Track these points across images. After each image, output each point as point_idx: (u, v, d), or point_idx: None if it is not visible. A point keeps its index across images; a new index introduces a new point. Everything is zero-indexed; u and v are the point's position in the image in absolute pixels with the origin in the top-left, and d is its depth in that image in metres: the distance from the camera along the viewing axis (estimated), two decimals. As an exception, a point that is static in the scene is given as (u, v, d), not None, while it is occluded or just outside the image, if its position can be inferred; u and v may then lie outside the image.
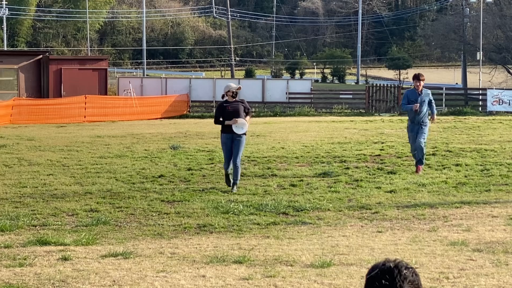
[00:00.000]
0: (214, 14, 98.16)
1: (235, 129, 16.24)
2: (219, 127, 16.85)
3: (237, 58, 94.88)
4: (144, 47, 75.75)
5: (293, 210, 13.86)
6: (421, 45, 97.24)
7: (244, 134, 16.53)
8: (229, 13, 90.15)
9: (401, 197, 15.23)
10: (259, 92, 48.93)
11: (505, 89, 50.20)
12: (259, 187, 16.64)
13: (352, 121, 38.87)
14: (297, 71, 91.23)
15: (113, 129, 34.97)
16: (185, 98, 47.64)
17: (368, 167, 19.72)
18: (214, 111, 17.27)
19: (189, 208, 14.22)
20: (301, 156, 22.25)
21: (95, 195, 15.84)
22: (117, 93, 49.44)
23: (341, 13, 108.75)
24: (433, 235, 11.64)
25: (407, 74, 73.32)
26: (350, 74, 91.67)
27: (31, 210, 14.05)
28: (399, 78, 78.39)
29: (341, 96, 51.12)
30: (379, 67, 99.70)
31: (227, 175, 16.42)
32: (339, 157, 21.99)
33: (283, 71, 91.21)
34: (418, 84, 18.64)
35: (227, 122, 16.28)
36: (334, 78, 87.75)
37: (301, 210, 13.84)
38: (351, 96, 51.18)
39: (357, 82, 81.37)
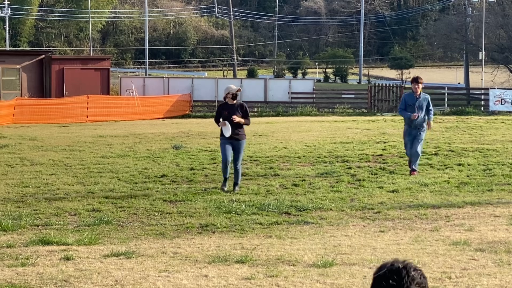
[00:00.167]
0: (217, 14, 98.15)
1: (224, 131, 16.19)
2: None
3: (239, 58, 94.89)
4: (147, 47, 75.77)
5: (295, 210, 13.86)
6: (423, 45, 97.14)
7: (244, 137, 16.45)
8: (232, 13, 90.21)
9: (403, 196, 15.22)
10: (262, 92, 48.95)
11: (508, 89, 50.17)
12: (261, 187, 16.64)
13: (355, 121, 38.86)
14: (299, 71, 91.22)
15: (115, 129, 34.98)
16: (187, 98, 47.66)
17: (371, 167, 19.72)
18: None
19: (191, 207, 14.23)
20: (304, 156, 22.24)
21: (98, 194, 15.85)
22: (119, 93, 49.47)
23: (344, 12, 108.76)
24: (436, 234, 11.64)
25: (410, 74, 73.29)
26: (353, 74, 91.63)
27: (34, 210, 14.06)
28: (401, 78, 78.38)
29: (343, 96, 51.14)
30: (381, 67, 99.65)
31: (225, 179, 16.27)
32: (341, 157, 21.98)
33: (285, 71, 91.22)
34: (416, 87, 18.35)
35: (219, 124, 16.29)
36: (337, 78, 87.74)
37: (304, 210, 13.84)
38: (353, 96, 51.19)
39: (359, 82, 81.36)
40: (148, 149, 24.56)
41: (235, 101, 16.48)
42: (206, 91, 48.60)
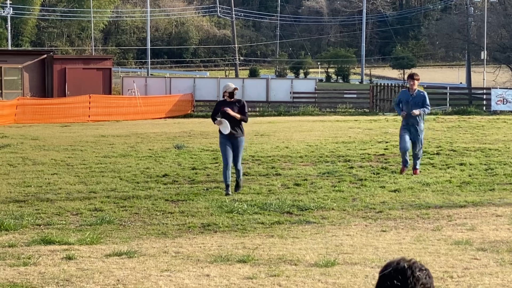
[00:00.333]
0: (218, 14, 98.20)
1: (221, 129, 15.98)
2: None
3: (241, 58, 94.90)
4: (149, 46, 75.78)
5: (297, 209, 13.86)
6: (425, 45, 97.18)
7: (242, 134, 16.23)
8: (233, 13, 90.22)
9: (405, 196, 15.21)
10: (263, 92, 48.95)
11: (509, 89, 50.17)
12: (263, 187, 16.64)
13: (356, 120, 38.85)
14: (301, 71, 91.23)
15: (117, 128, 34.99)
16: (189, 97, 47.68)
17: (372, 167, 19.71)
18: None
19: (193, 207, 14.23)
20: (305, 156, 22.24)
21: (100, 194, 15.85)
22: (121, 92, 49.49)
23: (346, 12, 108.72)
24: (437, 234, 11.64)
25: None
26: (355, 73, 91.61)
27: (36, 209, 14.07)
28: (403, 78, 78.34)
29: (345, 95, 51.13)
30: (383, 67, 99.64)
31: (227, 186, 15.79)
32: (343, 156, 21.97)
33: (287, 71, 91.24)
34: (412, 83, 18.24)
35: (215, 122, 16.10)
36: (338, 77, 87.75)
37: (305, 209, 13.84)
38: (355, 96, 51.19)
39: (361, 82, 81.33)
40: (150, 149, 24.57)
41: (233, 99, 16.27)
42: (208, 91, 48.61)
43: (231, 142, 16.06)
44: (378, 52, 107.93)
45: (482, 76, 62.83)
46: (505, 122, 36.25)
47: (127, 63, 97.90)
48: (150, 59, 77.03)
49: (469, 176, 17.82)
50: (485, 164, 19.74)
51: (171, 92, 48.45)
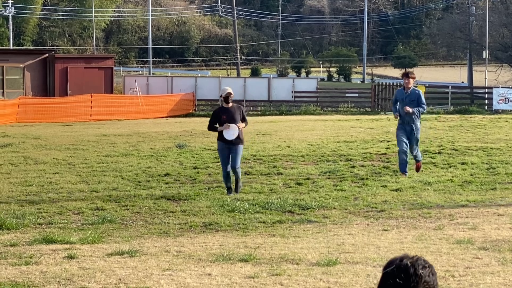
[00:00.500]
0: (220, 13, 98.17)
1: (225, 135, 15.63)
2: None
3: (243, 57, 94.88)
4: (150, 45, 75.78)
5: (299, 209, 13.86)
6: (427, 44, 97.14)
7: (242, 142, 16.00)
8: (235, 12, 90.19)
9: (407, 195, 15.21)
10: (265, 91, 48.95)
11: (511, 88, 50.11)
12: (265, 186, 16.64)
13: (358, 119, 38.84)
14: (303, 70, 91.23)
15: (119, 127, 35.00)
16: (191, 96, 47.68)
17: (374, 166, 19.71)
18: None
19: (195, 206, 14.23)
20: (307, 155, 22.24)
21: (101, 193, 15.86)
22: (123, 91, 49.48)
23: (347, 11, 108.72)
24: (439, 233, 11.63)
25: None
26: (356, 72, 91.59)
27: (37, 209, 14.07)
28: (405, 77, 78.22)
29: (347, 95, 51.11)
30: (385, 66, 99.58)
31: (228, 188, 15.74)
32: (345, 155, 21.97)
33: (289, 70, 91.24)
34: (406, 81, 18.09)
35: (219, 128, 15.72)
36: (340, 76, 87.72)
37: (307, 209, 13.84)
38: (357, 95, 51.15)
39: (363, 81, 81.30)
40: (151, 148, 24.57)
41: (230, 104, 15.95)
42: (210, 90, 48.58)
43: (229, 149, 15.83)
44: (379, 51, 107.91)
45: (484, 75, 62.80)
46: (507, 121, 36.23)
47: (129, 62, 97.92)
48: (152, 58, 77.03)
49: (471, 175, 17.81)
50: (486, 163, 19.73)
51: (172, 91, 48.45)
